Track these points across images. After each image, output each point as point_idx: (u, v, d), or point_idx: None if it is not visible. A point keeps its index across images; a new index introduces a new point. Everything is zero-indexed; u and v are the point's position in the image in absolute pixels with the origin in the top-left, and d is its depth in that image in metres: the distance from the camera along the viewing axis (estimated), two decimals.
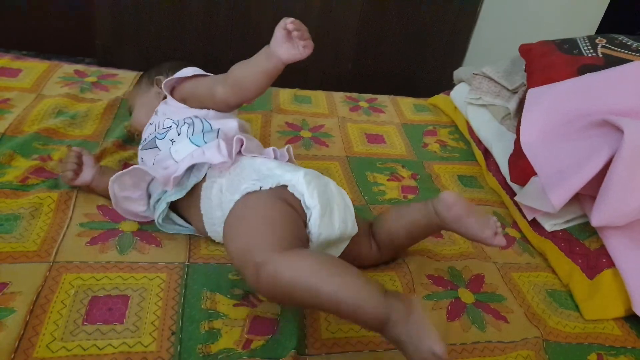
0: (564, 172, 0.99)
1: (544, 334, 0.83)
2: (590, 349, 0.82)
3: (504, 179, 1.23)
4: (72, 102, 1.27)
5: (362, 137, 1.36)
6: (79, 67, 1.45)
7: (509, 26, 2.22)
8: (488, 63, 2.22)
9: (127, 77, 1.45)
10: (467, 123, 1.44)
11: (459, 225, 0.83)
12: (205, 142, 0.88)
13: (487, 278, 0.94)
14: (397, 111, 1.53)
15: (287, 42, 0.83)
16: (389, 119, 1.48)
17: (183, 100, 0.98)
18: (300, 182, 0.79)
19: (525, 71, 1.37)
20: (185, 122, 0.93)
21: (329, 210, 0.80)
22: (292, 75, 2.26)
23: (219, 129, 0.92)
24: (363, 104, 1.54)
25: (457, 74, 1.60)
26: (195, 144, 0.88)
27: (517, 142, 1.18)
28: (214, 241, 0.90)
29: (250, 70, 0.89)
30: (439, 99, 1.62)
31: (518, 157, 1.15)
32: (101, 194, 0.96)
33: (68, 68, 1.43)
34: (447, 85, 2.46)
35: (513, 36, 2.18)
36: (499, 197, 1.22)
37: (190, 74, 0.98)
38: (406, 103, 1.60)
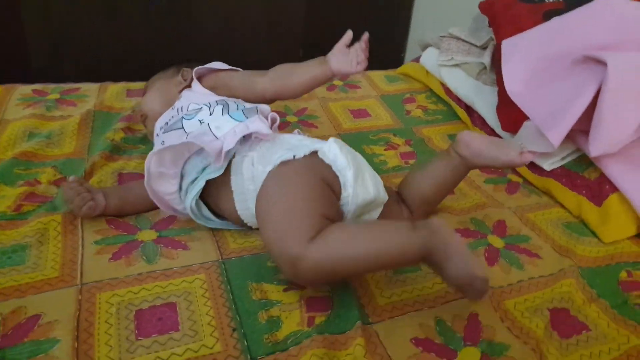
0: (557, 111, 1.03)
1: (576, 261, 0.87)
2: (618, 267, 0.87)
3: (492, 130, 1.27)
4: (41, 122, 1.19)
5: (347, 113, 1.36)
6: (37, 86, 1.37)
7: None
8: (432, 30, 2.27)
9: (91, 89, 1.38)
10: (443, 85, 1.47)
11: (484, 158, 0.88)
12: (247, 118, 0.87)
13: (508, 222, 0.97)
14: (371, 84, 1.55)
15: (344, 55, 0.90)
16: (367, 93, 1.49)
17: (212, 89, 0.96)
18: (332, 146, 0.80)
19: (489, 26, 1.42)
20: (218, 104, 0.91)
21: (361, 175, 0.80)
22: (243, 64, 2.23)
23: (256, 107, 0.92)
24: (337, 82, 1.54)
25: (422, 40, 1.63)
26: (236, 120, 0.87)
27: (501, 93, 1.22)
28: (240, 234, 0.88)
29: (298, 70, 0.95)
30: (407, 67, 1.65)
31: (506, 107, 1.19)
32: (114, 212, 0.91)
33: (24, 89, 1.34)
34: (397, 56, 2.51)
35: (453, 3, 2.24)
36: None
37: (223, 68, 1.00)
38: (377, 75, 1.62)
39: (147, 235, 0.88)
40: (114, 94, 1.35)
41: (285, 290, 0.77)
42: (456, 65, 1.43)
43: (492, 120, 1.26)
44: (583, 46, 1.07)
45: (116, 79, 1.49)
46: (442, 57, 1.45)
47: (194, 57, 2.18)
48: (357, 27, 2.36)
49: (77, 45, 2.05)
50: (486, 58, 1.36)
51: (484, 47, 1.41)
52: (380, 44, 2.50)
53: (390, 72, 1.66)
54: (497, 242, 0.91)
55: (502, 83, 1.18)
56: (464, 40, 1.44)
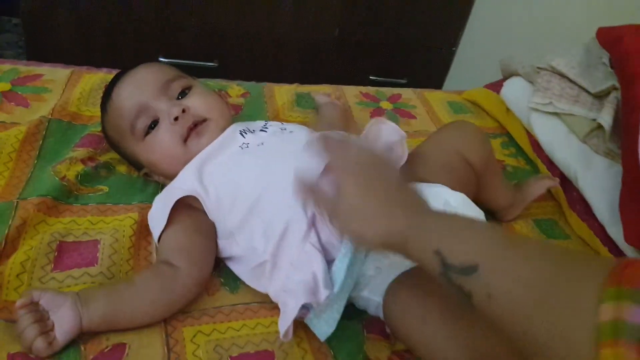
0: None
1: None
2: None
3: (601, 226, 0.89)
4: None
5: None
6: None
7: None
8: (491, 35, 1.83)
9: (57, 79, 1.00)
10: (529, 135, 1.09)
11: None
12: None
13: None
14: (429, 113, 1.16)
15: None
16: (423, 127, 1.11)
17: None
18: None
19: (611, 67, 1.02)
20: None
21: None
22: (266, 45, 1.85)
23: None
24: (386, 104, 1.16)
25: (506, 64, 1.22)
26: None
27: (629, 180, 0.84)
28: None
29: None
30: (478, 95, 1.25)
31: (636, 206, 0.81)
32: (100, 326, 0.59)
33: None
34: (446, 57, 2.09)
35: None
36: (594, 248, 0.89)
37: None
38: (437, 100, 1.23)
39: None
40: (86, 90, 0.98)
41: None
42: (555, 113, 1.04)
43: (605, 211, 0.88)
44: None
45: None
46: (537, 97, 1.05)
47: (202, 29, 1.83)
48: (403, 7, 1.84)
49: None
50: (605, 115, 0.95)
51: (600, 96, 1.01)
52: (431, 31, 2.10)
53: (454, 97, 1.27)
54: None
55: (635, 166, 0.81)
56: (571, 81, 1.04)
